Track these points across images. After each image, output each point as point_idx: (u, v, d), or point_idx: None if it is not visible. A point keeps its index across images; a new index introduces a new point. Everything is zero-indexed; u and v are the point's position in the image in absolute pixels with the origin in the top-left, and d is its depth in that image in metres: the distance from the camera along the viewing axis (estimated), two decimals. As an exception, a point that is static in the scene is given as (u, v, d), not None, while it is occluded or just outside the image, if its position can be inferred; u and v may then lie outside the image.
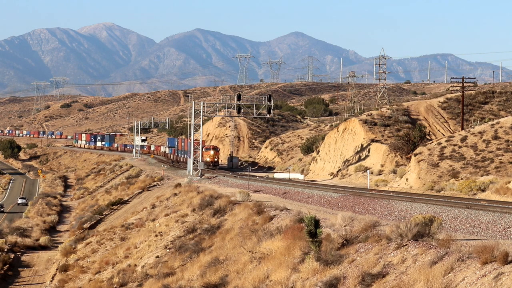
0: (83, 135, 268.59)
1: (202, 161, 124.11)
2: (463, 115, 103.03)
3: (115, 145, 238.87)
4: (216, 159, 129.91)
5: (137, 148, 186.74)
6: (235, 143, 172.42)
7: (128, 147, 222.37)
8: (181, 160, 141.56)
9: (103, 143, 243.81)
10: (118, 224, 75.76)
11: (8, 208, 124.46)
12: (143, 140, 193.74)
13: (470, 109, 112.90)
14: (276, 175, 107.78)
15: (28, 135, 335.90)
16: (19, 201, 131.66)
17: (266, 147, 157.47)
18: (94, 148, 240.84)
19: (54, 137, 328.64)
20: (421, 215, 29.71)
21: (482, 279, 20.55)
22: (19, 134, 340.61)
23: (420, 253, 24.36)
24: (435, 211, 38.35)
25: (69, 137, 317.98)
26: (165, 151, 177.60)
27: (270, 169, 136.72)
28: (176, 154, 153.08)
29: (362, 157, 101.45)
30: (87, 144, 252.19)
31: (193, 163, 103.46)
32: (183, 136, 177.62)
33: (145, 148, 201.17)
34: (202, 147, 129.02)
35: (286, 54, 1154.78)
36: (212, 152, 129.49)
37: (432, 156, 79.19)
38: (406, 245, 25.57)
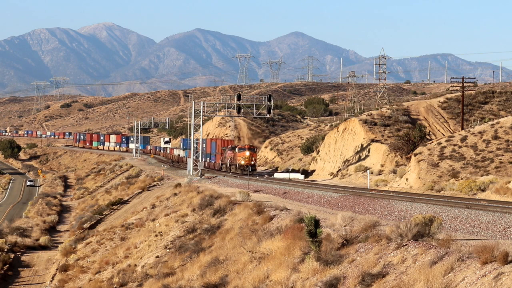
0: (112, 136, 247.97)
1: (233, 164, 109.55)
2: (463, 115, 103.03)
3: (149, 147, 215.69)
4: (253, 162, 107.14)
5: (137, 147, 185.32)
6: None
7: (157, 150, 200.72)
8: (204, 165, 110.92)
9: (137, 145, 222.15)
10: (118, 224, 75.74)
11: (9, 208, 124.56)
12: (166, 142, 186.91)
13: (470, 109, 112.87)
14: (276, 175, 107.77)
15: (52, 136, 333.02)
16: (28, 183, 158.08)
17: (266, 147, 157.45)
18: (127, 151, 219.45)
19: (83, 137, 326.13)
20: (421, 215, 29.68)
21: (482, 279, 20.54)
22: (41, 135, 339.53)
23: (420, 253, 24.35)
24: (435, 211, 38.33)
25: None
26: (178, 154, 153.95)
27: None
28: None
29: (362, 157, 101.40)
30: (117, 147, 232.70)
31: (194, 163, 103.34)
32: (207, 136, 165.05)
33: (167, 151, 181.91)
34: (234, 147, 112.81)
35: (286, 54, 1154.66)
36: (247, 153, 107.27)
37: (432, 156, 79.17)
38: (406, 245, 25.56)
